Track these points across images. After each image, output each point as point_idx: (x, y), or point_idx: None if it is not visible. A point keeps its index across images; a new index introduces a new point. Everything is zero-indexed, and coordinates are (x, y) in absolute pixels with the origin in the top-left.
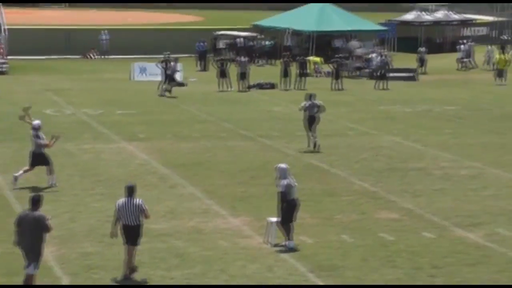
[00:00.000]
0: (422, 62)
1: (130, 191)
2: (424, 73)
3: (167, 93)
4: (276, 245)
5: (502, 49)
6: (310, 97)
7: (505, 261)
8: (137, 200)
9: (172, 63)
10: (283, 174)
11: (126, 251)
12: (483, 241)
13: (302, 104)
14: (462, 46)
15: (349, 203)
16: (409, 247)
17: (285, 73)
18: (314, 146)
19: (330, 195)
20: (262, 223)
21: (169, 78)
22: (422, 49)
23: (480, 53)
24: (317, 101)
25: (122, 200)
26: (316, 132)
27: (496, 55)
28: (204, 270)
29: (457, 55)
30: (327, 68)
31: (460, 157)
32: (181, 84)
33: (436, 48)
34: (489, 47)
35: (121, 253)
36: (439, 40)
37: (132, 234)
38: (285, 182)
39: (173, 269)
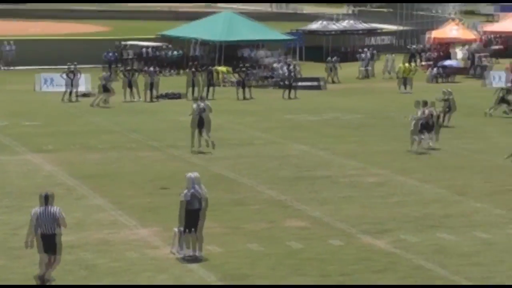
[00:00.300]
0: (332, 71)
1: (46, 200)
2: (334, 82)
3: (101, 103)
4: (184, 255)
5: (410, 58)
6: (197, 99)
7: (411, 268)
8: (54, 208)
9: (103, 74)
10: (189, 183)
11: (46, 259)
12: (389, 247)
13: (194, 106)
14: (362, 55)
15: (258, 212)
16: (317, 254)
17: (193, 83)
18: (210, 144)
19: (238, 204)
20: (170, 233)
21: (104, 88)
22: (333, 58)
23: (383, 62)
24: (204, 103)
25: (39, 208)
26: (210, 132)
27: (400, 64)
28: (112, 281)
29: (359, 64)
30: (237, 77)
31: (367, 164)
32: (87, 95)
33: (342, 57)
34: (389, 55)
35: (27, 266)
36: (344, 49)
37: (50, 243)
38: (188, 192)
39: (81, 281)
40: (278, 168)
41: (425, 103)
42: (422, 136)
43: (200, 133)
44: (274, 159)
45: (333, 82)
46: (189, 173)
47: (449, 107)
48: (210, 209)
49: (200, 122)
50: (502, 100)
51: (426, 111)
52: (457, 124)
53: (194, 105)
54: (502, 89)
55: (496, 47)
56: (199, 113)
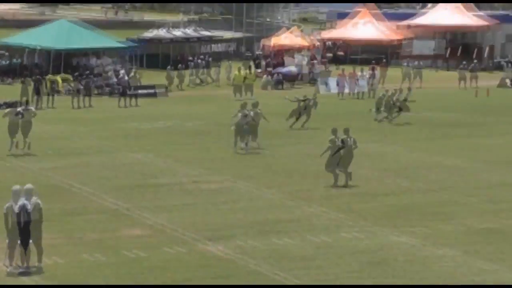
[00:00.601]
0: (178, 78)
1: None
2: (172, 90)
3: None
4: (18, 267)
5: (249, 65)
6: (19, 104)
7: (250, 273)
8: None
9: None
10: (14, 195)
11: None
12: (229, 253)
13: (9, 109)
14: (193, 63)
15: (98, 221)
16: (158, 262)
17: (37, 91)
18: (26, 146)
19: (78, 214)
20: (2, 245)
21: None
22: (178, 65)
23: (222, 69)
24: (27, 108)
25: None
26: (27, 136)
27: (236, 71)
28: None
29: (190, 71)
30: (74, 85)
31: (207, 171)
32: None
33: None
34: (226, 62)
35: None
36: (181, 56)
37: None
38: (15, 204)
39: None
40: (118, 177)
41: (245, 105)
42: (243, 144)
43: (24, 138)
44: (114, 167)
45: (173, 90)
46: (16, 186)
47: (300, 113)
48: (48, 219)
49: (18, 127)
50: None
51: (251, 113)
52: (294, 130)
53: (10, 109)
54: (392, 94)
55: (331, 54)
56: (18, 115)
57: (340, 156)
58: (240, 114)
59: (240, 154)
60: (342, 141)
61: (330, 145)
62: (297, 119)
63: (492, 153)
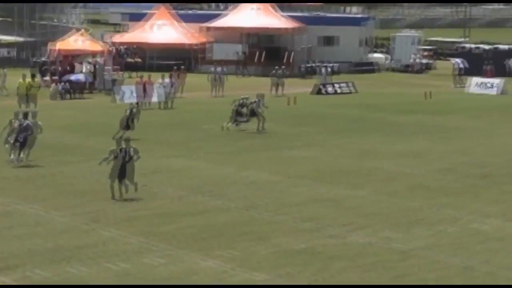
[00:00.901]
0: None
1: None
2: None
3: None
4: None
5: (40, 72)
6: None
7: None
8: None
9: None
10: None
11: None
12: (16, 284)
13: None
14: None
15: None
16: None
17: None
18: None
19: None
20: None
21: None
22: None
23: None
24: None
25: None
26: None
27: (20, 79)
28: None
29: None
30: None
31: None
32: None
33: None
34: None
35: None
36: None
37: None
38: None
39: None
40: None
41: (18, 113)
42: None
43: None
44: None
45: None
46: None
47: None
48: None
49: None
50: (238, 113)
51: (28, 123)
52: (82, 144)
53: None
54: (235, 101)
55: (132, 60)
56: None
57: (120, 166)
58: (15, 124)
59: (25, 173)
60: (123, 151)
61: (108, 155)
62: (125, 130)
63: (302, 167)
